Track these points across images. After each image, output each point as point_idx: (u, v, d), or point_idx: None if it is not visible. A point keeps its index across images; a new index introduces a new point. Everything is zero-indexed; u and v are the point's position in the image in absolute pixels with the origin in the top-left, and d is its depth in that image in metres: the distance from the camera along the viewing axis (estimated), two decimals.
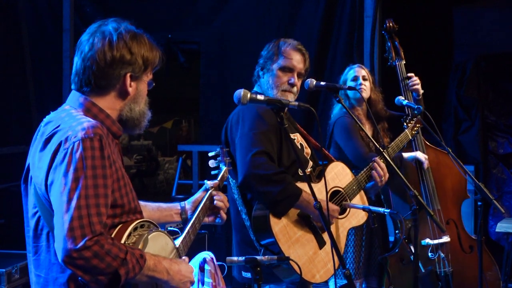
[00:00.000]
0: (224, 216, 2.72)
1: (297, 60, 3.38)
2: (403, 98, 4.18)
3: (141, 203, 2.56)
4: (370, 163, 3.57)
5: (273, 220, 3.13)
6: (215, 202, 2.69)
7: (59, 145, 2.02)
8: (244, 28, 6.43)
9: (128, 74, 2.17)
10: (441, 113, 6.38)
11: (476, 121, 6.11)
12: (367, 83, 4.36)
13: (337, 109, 4.41)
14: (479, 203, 3.68)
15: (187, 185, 7.28)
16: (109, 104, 2.18)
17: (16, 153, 6.31)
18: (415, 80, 4.37)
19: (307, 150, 3.45)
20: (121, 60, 2.14)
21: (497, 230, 4.92)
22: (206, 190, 2.71)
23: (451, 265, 4.24)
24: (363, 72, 4.40)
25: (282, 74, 3.35)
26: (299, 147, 3.39)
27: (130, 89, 2.19)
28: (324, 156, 3.53)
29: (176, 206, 2.68)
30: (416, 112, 4.05)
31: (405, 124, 4.15)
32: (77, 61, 2.18)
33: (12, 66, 6.48)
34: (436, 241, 4.22)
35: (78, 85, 2.18)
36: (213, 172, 2.88)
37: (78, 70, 2.17)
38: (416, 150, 4.32)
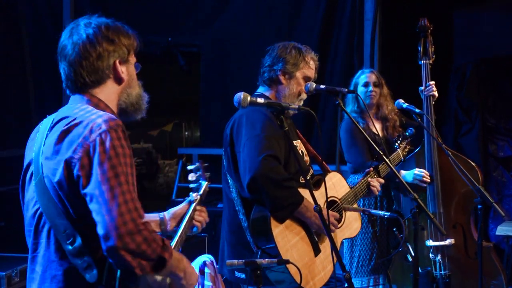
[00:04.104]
0: (200, 228, 2.76)
1: (315, 69, 3.45)
2: (403, 101, 4.19)
3: None
4: (365, 177, 3.59)
5: (273, 223, 3.12)
6: (195, 217, 2.72)
7: (84, 138, 2.03)
8: (244, 30, 6.43)
9: (117, 61, 2.22)
10: (441, 116, 6.37)
11: (476, 123, 6.10)
12: (377, 89, 4.51)
13: (349, 111, 4.50)
14: (479, 206, 3.67)
15: (187, 188, 7.26)
16: (108, 95, 2.23)
17: (16, 156, 6.29)
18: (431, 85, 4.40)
19: (307, 158, 3.46)
20: (106, 51, 2.19)
21: (497, 233, 4.92)
22: (190, 202, 2.75)
23: (448, 268, 4.24)
24: (373, 78, 4.54)
25: (303, 83, 3.38)
26: (300, 154, 3.39)
27: (122, 75, 2.24)
28: (321, 165, 3.54)
29: (156, 217, 2.70)
30: (408, 133, 4.16)
31: (396, 144, 4.17)
32: (64, 67, 2.22)
33: (12, 66, 6.47)
34: (437, 243, 4.22)
35: (73, 88, 2.23)
36: (191, 186, 2.90)
37: (68, 75, 2.21)
38: (429, 154, 4.33)
